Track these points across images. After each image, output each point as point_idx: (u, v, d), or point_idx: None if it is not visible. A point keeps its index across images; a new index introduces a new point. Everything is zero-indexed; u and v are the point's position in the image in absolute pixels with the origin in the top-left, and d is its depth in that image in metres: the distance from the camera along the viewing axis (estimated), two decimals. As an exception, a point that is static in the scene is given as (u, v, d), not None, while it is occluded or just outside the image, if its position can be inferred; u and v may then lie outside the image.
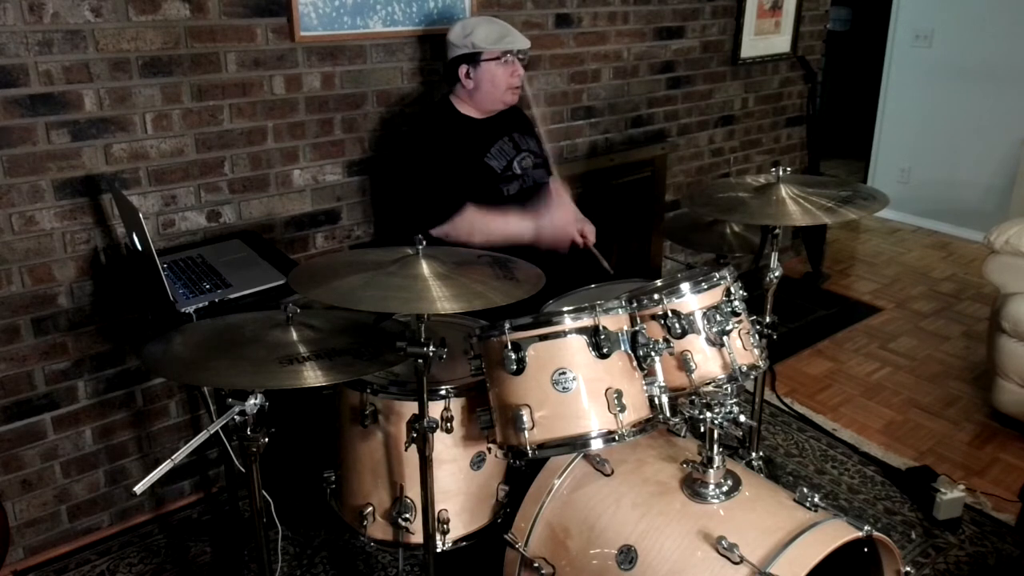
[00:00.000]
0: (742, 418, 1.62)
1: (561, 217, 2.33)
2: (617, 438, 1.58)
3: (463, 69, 2.30)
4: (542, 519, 1.73)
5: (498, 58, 2.27)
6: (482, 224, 2.25)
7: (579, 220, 2.46)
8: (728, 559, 1.44)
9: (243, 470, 1.56)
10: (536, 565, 1.70)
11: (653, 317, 1.74)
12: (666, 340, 1.70)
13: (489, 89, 2.31)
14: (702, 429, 1.61)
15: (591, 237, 2.43)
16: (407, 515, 1.83)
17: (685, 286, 1.77)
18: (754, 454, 2.36)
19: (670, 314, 1.73)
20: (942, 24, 4.67)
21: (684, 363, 1.73)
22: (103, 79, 2.04)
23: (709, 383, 1.74)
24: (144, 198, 2.18)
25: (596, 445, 1.59)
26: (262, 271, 2.04)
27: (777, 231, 2.14)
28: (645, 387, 1.67)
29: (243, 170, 2.33)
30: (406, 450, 1.77)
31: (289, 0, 2.27)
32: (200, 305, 1.83)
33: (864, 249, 4.62)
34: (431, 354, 1.54)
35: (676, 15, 3.33)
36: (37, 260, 2.06)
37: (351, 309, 1.56)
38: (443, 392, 1.78)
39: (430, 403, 1.64)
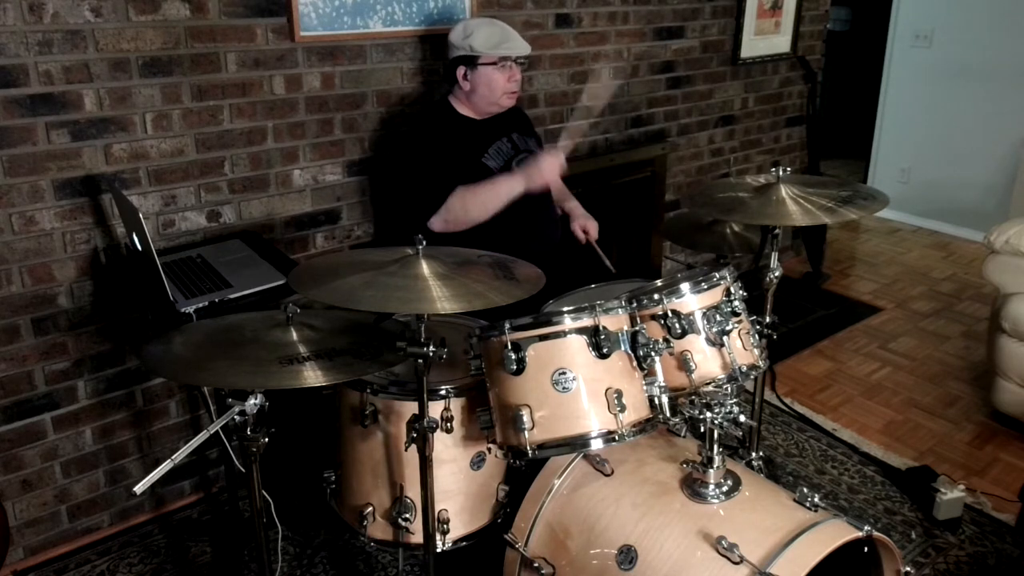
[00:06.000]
0: (742, 418, 1.62)
1: (547, 161, 2.23)
2: (617, 438, 1.58)
3: (461, 71, 2.30)
4: (542, 519, 1.73)
5: (495, 63, 2.27)
6: (473, 197, 2.22)
7: (583, 216, 2.48)
8: (728, 559, 1.44)
9: (243, 470, 1.56)
10: (536, 565, 1.70)
11: (653, 317, 1.74)
12: (666, 340, 1.70)
13: (485, 92, 2.31)
14: (702, 429, 1.61)
15: (593, 233, 2.45)
16: (407, 515, 1.83)
17: (685, 286, 1.77)
18: (754, 454, 2.36)
19: (670, 314, 1.73)
20: (942, 24, 4.67)
21: (684, 363, 1.73)
22: (103, 79, 2.04)
23: (709, 383, 1.75)
24: (144, 198, 2.18)
25: (596, 445, 1.59)
26: (262, 271, 2.04)
27: (777, 231, 2.14)
28: (645, 387, 1.67)
29: (243, 170, 2.33)
30: (406, 450, 1.77)
31: (289, 0, 2.27)
32: (200, 305, 1.83)
33: (864, 249, 4.62)
34: (431, 354, 1.54)
35: (676, 15, 3.33)
36: (37, 260, 2.06)
37: (351, 309, 1.56)
38: (443, 392, 1.78)
39: (430, 403, 1.64)
